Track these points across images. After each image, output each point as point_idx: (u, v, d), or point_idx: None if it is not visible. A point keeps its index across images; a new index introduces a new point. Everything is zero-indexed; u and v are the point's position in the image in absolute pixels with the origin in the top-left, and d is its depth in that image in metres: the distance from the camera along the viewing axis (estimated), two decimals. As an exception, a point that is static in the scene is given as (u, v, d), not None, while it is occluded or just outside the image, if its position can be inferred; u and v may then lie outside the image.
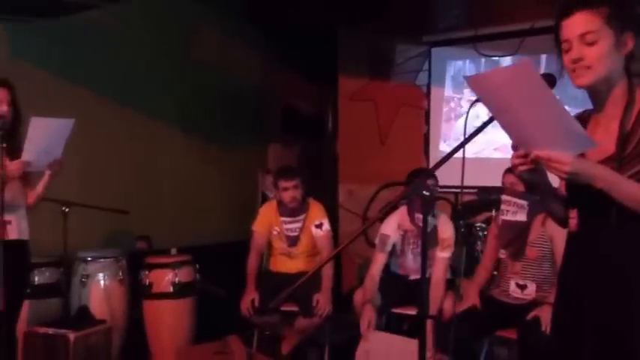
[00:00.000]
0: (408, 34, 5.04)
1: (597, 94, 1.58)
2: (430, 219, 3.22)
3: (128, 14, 4.42)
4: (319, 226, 3.61)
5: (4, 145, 2.68)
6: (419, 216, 3.31)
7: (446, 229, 3.31)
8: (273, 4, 5.14)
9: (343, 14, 5.19)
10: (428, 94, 5.02)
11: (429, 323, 2.97)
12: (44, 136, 2.74)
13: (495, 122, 1.52)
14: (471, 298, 3.06)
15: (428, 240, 1.81)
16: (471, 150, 4.61)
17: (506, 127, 1.51)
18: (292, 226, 3.63)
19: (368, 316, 3.15)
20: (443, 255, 3.26)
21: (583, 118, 1.63)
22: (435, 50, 4.97)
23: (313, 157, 6.02)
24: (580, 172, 1.43)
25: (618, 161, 1.51)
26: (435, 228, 3.28)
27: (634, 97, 1.54)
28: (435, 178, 3.05)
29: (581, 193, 1.54)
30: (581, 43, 1.49)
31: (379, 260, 3.39)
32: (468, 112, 1.95)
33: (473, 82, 1.49)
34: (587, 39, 1.48)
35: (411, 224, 3.35)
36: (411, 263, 3.42)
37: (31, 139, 2.70)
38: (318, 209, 3.67)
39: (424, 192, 1.73)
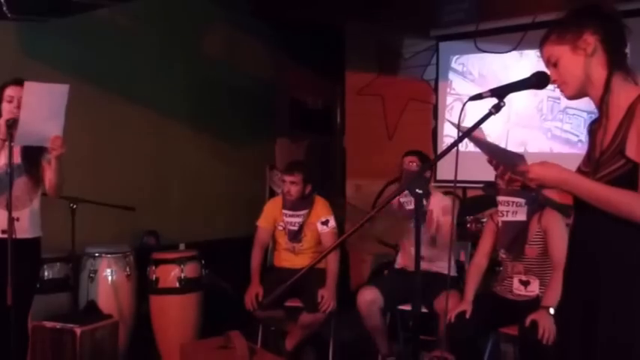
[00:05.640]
0: (416, 28, 5.00)
1: (589, 98, 1.66)
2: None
3: (138, 12, 4.45)
4: (325, 222, 3.61)
5: (13, 143, 2.71)
6: (402, 200, 3.31)
7: (441, 200, 3.37)
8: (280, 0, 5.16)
9: (351, 9, 5.17)
10: (436, 89, 4.98)
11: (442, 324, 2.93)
12: (40, 103, 2.66)
13: (497, 118, 1.72)
14: (463, 303, 2.98)
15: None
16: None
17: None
18: (293, 220, 3.64)
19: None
20: (446, 218, 3.23)
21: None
22: (442, 44, 4.93)
23: (321, 152, 6.02)
24: (541, 177, 1.57)
25: (595, 161, 1.59)
26: (426, 207, 3.26)
27: (609, 88, 1.58)
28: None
29: None
30: (551, 66, 1.68)
31: None
32: (462, 108, 1.96)
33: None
34: (552, 63, 1.67)
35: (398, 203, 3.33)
36: (411, 250, 3.39)
37: (26, 105, 2.62)
38: (324, 206, 3.67)
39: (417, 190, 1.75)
